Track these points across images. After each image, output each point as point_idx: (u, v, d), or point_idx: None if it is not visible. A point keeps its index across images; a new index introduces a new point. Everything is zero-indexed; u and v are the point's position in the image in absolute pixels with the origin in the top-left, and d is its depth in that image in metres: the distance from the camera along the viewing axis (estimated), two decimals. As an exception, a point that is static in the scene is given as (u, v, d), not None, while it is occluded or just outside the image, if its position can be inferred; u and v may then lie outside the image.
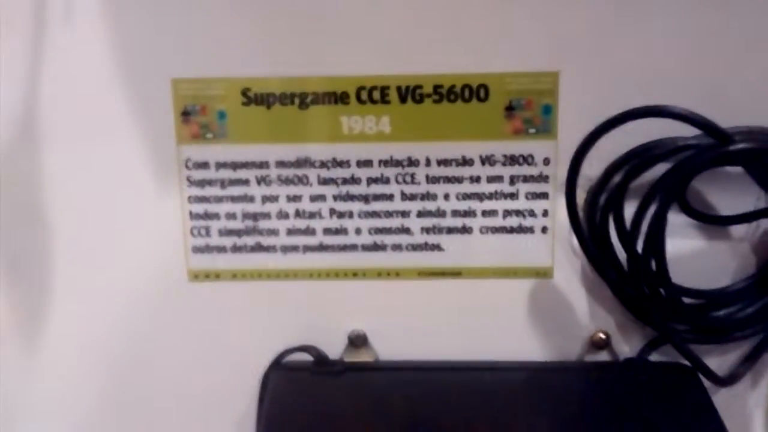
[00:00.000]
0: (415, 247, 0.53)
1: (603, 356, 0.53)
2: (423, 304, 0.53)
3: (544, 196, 0.52)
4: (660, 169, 0.46)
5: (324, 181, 0.52)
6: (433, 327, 0.54)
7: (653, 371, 0.51)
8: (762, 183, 0.48)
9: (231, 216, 0.53)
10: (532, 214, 0.52)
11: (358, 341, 0.54)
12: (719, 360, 0.52)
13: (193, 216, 0.53)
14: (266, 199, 0.52)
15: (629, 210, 0.48)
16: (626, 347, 0.53)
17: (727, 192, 0.50)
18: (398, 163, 0.52)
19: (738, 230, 0.51)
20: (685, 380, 0.50)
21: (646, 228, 0.47)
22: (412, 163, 0.52)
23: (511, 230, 0.52)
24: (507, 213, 0.52)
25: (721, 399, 0.51)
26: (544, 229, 0.52)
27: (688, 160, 0.44)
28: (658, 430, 0.46)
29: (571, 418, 0.47)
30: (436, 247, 0.53)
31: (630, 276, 0.49)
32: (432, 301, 0.53)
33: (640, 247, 0.48)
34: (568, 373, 0.52)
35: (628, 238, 0.48)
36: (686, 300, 0.50)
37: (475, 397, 0.50)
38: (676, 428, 0.47)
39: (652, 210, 0.47)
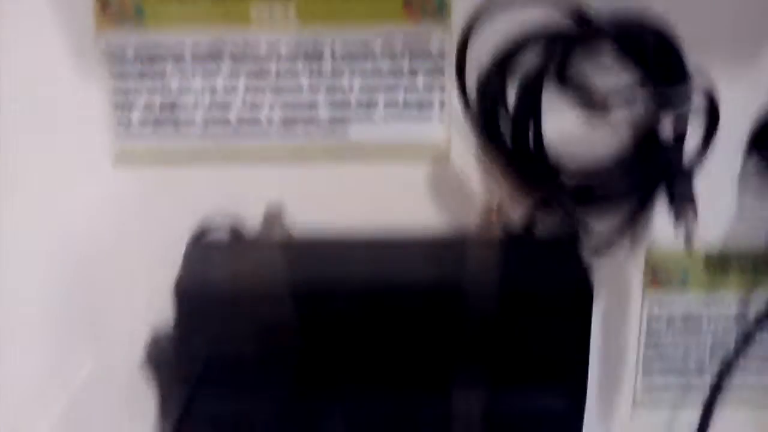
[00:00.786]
0: (323, 133, 0.57)
1: (495, 230, 0.57)
2: (332, 186, 0.58)
3: (440, 82, 0.55)
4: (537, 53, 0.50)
5: (236, 71, 0.55)
6: (342, 206, 0.58)
7: (536, 243, 0.56)
8: (635, 62, 0.52)
9: (150, 105, 0.56)
10: (430, 99, 0.56)
11: (272, 220, 0.58)
12: (599, 231, 0.57)
13: (114, 105, 0.56)
14: (182, 88, 0.56)
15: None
16: (515, 222, 0.57)
17: (606, 73, 0.53)
18: (305, 53, 0.55)
19: (618, 106, 0.54)
20: (565, 251, 0.55)
21: (526, 110, 0.51)
22: (318, 53, 0.55)
23: (411, 116, 0.56)
24: (407, 100, 0.56)
25: (603, 269, 0.58)
26: (441, 113, 0.56)
27: (559, 42, 0.48)
28: (534, 299, 0.52)
29: (455, 285, 0.53)
30: (343, 133, 0.57)
31: (516, 156, 0.54)
32: (340, 183, 0.58)
33: (522, 130, 0.52)
34: (462, 245, 0.57)
35: (510, 121, 0.52)
36: (568, 176, 0.55)
37: (381, 266, 0.56)
38: (551, 297, 0.52)
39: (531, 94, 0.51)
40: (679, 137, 0.54)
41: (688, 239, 0.53)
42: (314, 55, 0.55)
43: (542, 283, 0.52)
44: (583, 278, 0.52)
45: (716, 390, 0.60)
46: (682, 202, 0.53)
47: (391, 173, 0.57)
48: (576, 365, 0.52)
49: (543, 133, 0.52)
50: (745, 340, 0.60)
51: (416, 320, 0.53)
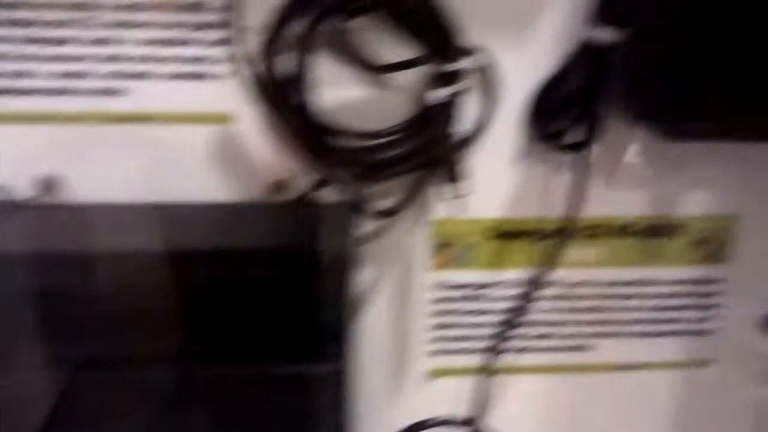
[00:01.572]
0: (102, 92, 0.55)
1: (276, 197, 0.57)
2: (112, 149, 0.56)
3: (226, 42, 0.54)
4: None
5: (8, 23, 0.53)
6: (123, 170, 0.56)
7: (318, 208, 0.56)
8: (413, 36, 0.53)
9: None
10: (216, 60, 0.55)
11: (47, 185, 0.55)
12: (385, 198, 0.58)
13: None
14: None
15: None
16: (299, 189, 0.57)
17: (387, 43, 0.54)
18: (81, 7, 0.53)
19: (397, 78, 0.55)
20: (342, 216, 0.55)
21: (297, 75, 0.52)
22: (94, 6, 0.53)
23: (196, 77, 0.55)
24: (191, 59, 0.55)
25: (389, 239, 0.59)
26: (227, 76, 0.55)
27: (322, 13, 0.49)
28: (297, 262, 0.52)
29: (224, 250, 0.53)
30: (123, 92, 0.55)
31: (297, 122, 0.54)
32: (120, 145, 0.56)
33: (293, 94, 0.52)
34: (246, 210, 0.56)
35: (285, 85, 0.52)
36: (351, 143, 0.55)
37: (160, 232, 0.54)
38: (313, 260, 0.53)
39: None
40: (454, 109, 0.55)
41: (459, 207, 0.54)
42: (90, 7, 0.53)
43: (306, 247, 0.52)
44: (342, 243, 0.53)
45: (495, 355, 0.62)
46: (454, 172, 0.55)
47: (173, 140, 0.56)
48: (337, 327, 0.52)
49: (313, 97, 0.53)
50: (522, 308, 0.62)
51: (188, 282, 0.52)
